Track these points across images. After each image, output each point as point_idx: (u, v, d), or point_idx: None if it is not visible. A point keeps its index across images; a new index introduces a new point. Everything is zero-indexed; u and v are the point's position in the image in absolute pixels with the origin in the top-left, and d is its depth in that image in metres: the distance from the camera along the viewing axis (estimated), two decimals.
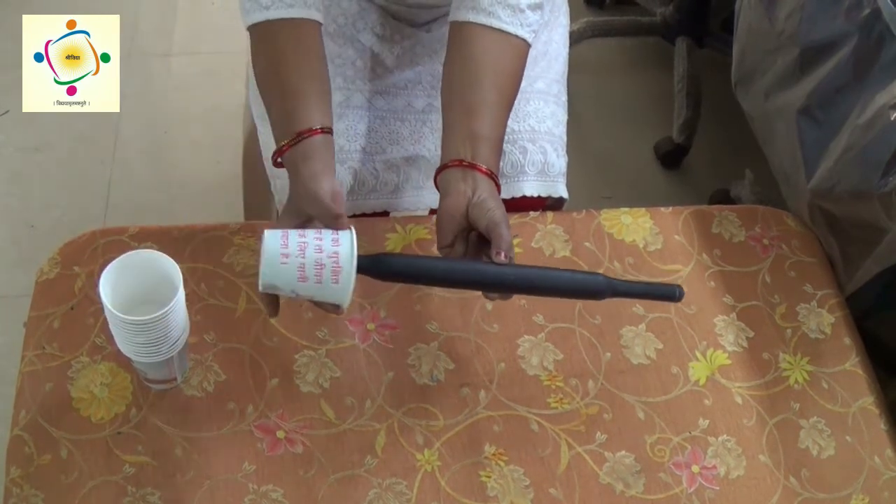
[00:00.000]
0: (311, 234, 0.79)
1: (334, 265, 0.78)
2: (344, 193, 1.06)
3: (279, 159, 0.91)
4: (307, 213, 0.86)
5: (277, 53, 0.93)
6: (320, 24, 0.95)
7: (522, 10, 0.94)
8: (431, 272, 0.85)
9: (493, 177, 0.89)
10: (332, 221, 0.83)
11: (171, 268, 0.82)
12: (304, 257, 0.78)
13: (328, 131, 0.91)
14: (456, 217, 0.87)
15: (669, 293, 0.90)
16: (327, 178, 0.86)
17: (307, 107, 0.90)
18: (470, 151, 0.89)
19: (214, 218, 1.06)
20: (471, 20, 0.94)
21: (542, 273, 0.88)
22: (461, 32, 0.95)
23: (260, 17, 0.93)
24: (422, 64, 1.13)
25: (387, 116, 1.11)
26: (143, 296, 0.84)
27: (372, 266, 0.82)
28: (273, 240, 0.78)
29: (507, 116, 0.95)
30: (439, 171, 0.91)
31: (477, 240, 0.88)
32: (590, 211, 1.09)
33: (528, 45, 0.96)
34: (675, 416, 0.95)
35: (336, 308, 0.85)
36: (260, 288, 0.80)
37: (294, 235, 0.79)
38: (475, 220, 0.86)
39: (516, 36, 0.95)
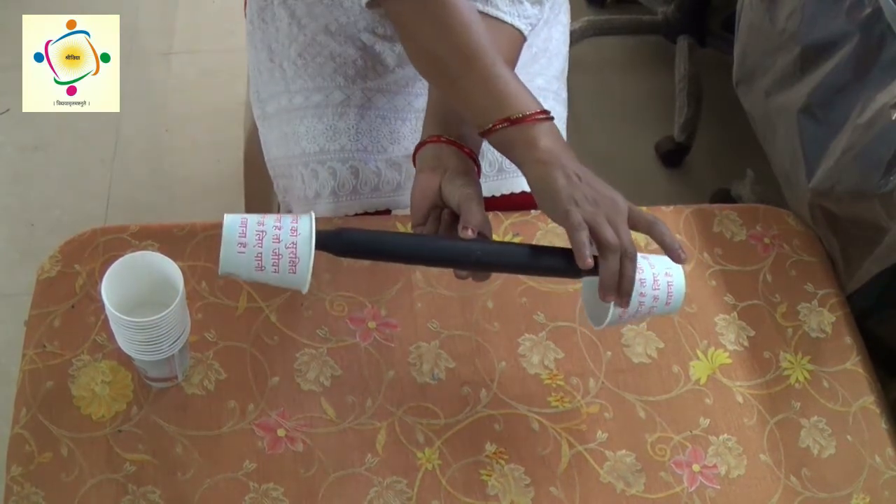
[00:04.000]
0: (270, 222, 0.78)
1: (291, 255, 0.77)
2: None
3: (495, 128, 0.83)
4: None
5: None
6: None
7: (521, 2, 0.94)
8: (393, 248, 0.83)
9: (472, 156, 0.88)
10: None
11: (172, 270, 0.83)
12: (261, 247, 0.76)
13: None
14: (428, 194, 0.86)
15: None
16: None
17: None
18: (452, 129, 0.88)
19: (215, 217, 1.06)
20: None
21: (511, 249, 0.86)
22: None
23: None
24: None
25: (388, 115, 1.11)
26: (145, 296, 0.84)
27: (332, 242, 0.80)
28: (231, 228, 0.77)
29: None
30: (418, 147, 0.90)
31: (451, 218, 0.86)
32: None
33: (523, 38, 0.96)
34: (675, 415, 0.95)
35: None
36: (219, 273, 0.78)
37: (253, 223, 0.77)
38: (447, 197, 0.85)
39: (512, 26, 0.94)
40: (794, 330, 1.02)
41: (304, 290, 0.79)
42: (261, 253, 0.77)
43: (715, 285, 1.04)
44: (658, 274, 0.82)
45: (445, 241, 0.83)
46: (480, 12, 0.93)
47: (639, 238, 0.92)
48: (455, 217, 0.85)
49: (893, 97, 1.02)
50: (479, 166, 0.89)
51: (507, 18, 0.94)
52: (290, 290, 0.82)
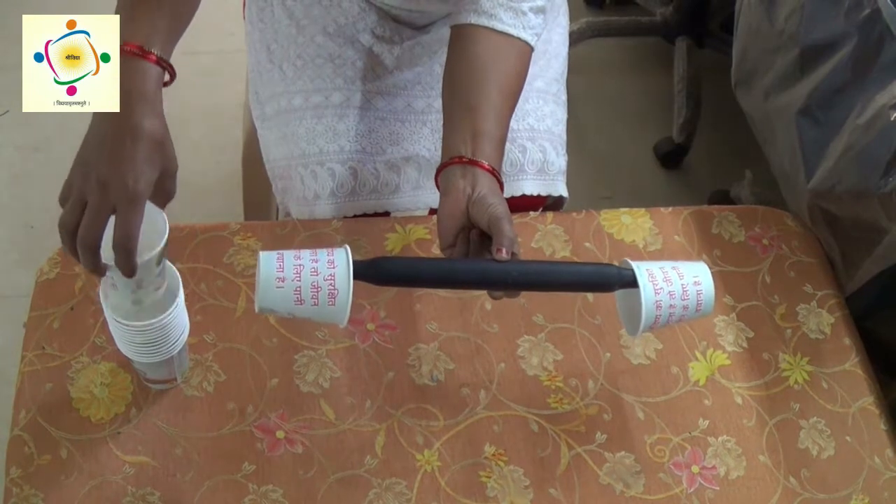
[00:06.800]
0: (306, 256, 0.78)
1: (330, 288, 0.77)
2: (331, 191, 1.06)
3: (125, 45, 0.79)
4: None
5: None
6: None
7: (524, 13, 0.94)
8: (430, 274, 0.84)
9: (495, 174, 0.88)
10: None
11: (171, 273, 0.82)
12: (299, 281, 0.77)
13: (171, 72, 0.82)
14: (456, 215, 0.86)
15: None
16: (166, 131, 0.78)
17: (169, 32, 0.83)
18: (471, 148, 0.88)
19: (214, 218, 1.06)
20: (472, 22, 0.94)
21: (547, 268, 0.87)
22: (463, 34, 0.95)
23: None
24: (421, 64, 1.13)
25: (387, 117, 1.11)
26: None
27: (368, 271, 0.81)
28: (268, 264, 0.77)
29: (510, 117, 0.94)
30: (440, 170, 0.90)
31: (479, 238, 0.86)
32: (590, 211, 1.09)
33: (530, 49, 0.96)
34: (674, 416, 0.95)
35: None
36: (256, 310, 0.79)
37: (290, 258, 0.78)
38: (476, 218, 0.85)
39: (518, 38, 0.94)
40: (794, 331, 1.02)
41: (343, 324, 0.80)
42: (300, 287, 0.77)
43: (714, 286, 1.04)
44: (687, 284, 0.83)
45: (481, 263, 0.83)
46: (485, 28, 0.93)
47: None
48: (483, 236, 0.85)
49: (892, 98, 1.03)
50: (502, 184, 0.89)
51: (513, 31, 0.94)
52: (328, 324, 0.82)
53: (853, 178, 1.09)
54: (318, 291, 0.77)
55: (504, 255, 0.81)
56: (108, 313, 0.80)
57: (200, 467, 0.87)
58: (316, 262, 0.78)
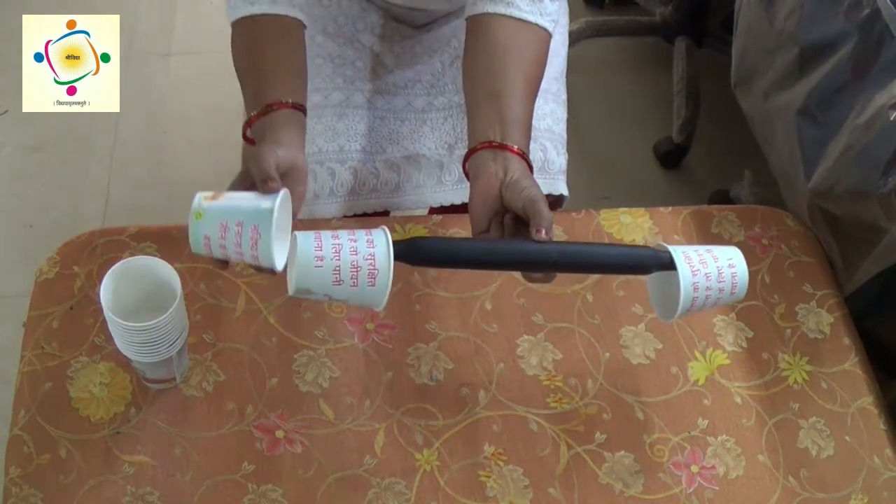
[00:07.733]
0: (344, 236, 0.77)
1: (370, 267, 0.75)
2: (326, 186, 1.06)
3: (248, 132, 0.89)
4: (250, 173, 0.81)
5: (255, 41, 0.92)
6: (303, 24, 0.95)
7: (541, 0, 0.94)
8: (469, 254, 0.82)
9: (525, 157, 0.87)
10: (262, 184, 0.78)
11: (170, 274, 0.83)
12: (339, 259, 0.75)
13: (299, 107, 0.89)
14: (489, 200, 0.85)
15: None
16: (284, 146, 0.84)
17: (279, 83, 0.89)
18: (499, 133, 0.87)
19: None
20: (490, 11, 0.93)
21: (586, 249, 0.86)
22: (481, 23, 0.94)
23: (244, 11, 0.92)
24: (422, 63, 1.13)
25: (387, 116, 1.11)
26: (143, 300, 0.84)
27: (407, 252, 0.79)
28: (306, 242, 0.75)
29: (534, 102, 0.93)
30: (468, 155, 0.89)
31: (513, 222, 0.85)
32: (589, 211, 1.09)
33: (549, 35, 0.96)
34: (674, 415, 0.95)
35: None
36: (291, 293, 0.77)
37: (327, 237, 0.76)
38: (510, 201, 0.84)
39: (537, 25, 0.94)
40: (793, 331, 1.02)
41: (381, 307, 0.78)
42: (339, 266, 0.75)
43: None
44: (722, 266, 0.83)
45: (519, 244, 0.82)
46: (504, 15, 0.93)
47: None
48: (517, 220, 0.84)
49: (892, 97, 1.03)
50: (531, 167, 0.89)
51: (531, 18, 0.94)
52: (365, 308, 0.80)
53: (853, 178, 1.09)
54: (357, 271, 0.75)
55: (544, 236, 0.80)
56: (107, 313, 0.80)
57: (200, 467, 0.87)
58: (354, 241, 0.76)
